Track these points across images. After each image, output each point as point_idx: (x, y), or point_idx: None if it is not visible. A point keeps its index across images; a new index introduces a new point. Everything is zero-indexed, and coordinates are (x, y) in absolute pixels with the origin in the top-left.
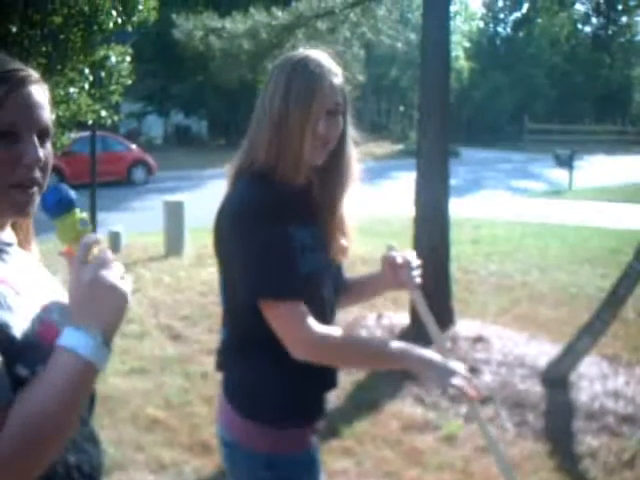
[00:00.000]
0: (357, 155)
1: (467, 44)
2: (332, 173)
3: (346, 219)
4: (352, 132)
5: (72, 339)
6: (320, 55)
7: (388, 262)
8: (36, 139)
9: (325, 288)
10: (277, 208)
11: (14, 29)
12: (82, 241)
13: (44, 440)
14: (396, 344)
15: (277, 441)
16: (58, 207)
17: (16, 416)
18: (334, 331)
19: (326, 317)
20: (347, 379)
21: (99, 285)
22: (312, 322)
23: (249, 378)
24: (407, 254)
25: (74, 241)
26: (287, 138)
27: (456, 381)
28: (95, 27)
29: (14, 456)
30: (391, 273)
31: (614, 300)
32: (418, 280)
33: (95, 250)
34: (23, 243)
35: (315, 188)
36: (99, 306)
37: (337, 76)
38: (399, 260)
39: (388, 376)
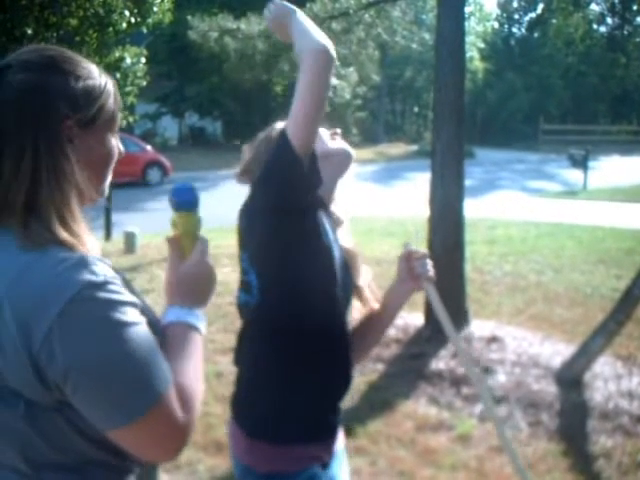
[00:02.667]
0: (373, 155)
1: (482, 45)
2: None
3: None
4: None
5: (190, 317)
6: None
7: (403, 256)
8: None
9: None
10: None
11: (30, 31)
12: (202, 239)
13: (200, 394)
14: None
15: (275, 458)
16: (189, 204)
17: (182, 389)
18: None
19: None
20: (361, 379)
21: (212, 273)
22: None
23: (246, 392)
24: (422, 250)
25: (187, 234)
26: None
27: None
28: (109, 28)
29: (192, 424)
30: (406, 268)
31: (629, 300)
32: (432, 274)
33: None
34: None
35: None
36: (207, 288)
37: None
38: (414, 254)
39: (402, 376)
